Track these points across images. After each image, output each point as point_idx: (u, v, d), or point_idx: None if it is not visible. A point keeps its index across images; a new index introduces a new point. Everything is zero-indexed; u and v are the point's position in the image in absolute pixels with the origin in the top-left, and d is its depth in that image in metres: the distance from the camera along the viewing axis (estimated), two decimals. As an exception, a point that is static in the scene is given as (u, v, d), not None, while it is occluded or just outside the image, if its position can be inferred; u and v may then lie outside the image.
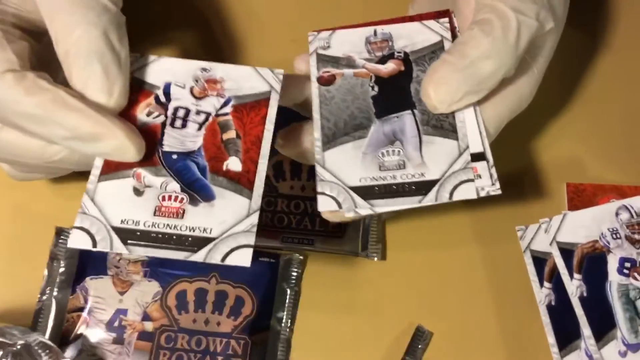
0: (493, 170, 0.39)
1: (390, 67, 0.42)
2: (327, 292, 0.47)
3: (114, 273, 0.46)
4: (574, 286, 0.42)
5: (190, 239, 0.36)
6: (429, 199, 0.38)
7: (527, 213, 0.48)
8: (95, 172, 0.38)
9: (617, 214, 0.43)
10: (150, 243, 0.36)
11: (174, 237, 0.36)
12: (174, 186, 0.37)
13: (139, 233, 0.36)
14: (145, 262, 0.46)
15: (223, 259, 0.35)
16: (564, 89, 0.53)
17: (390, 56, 0.42)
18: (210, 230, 0.36)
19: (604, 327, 0.41)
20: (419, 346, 0.46)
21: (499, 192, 0.38)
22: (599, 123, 0.51)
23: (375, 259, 0.47)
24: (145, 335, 0.45)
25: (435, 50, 0.42)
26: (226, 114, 0.39)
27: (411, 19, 0.44)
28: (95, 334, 0.45)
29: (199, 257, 0.35)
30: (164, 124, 0.39)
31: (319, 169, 0.39)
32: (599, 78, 0.53)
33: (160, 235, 0.36)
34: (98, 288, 0.46)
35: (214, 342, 0.45)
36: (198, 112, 0.39)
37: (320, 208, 0.38)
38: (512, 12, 0.39)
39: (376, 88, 0.42)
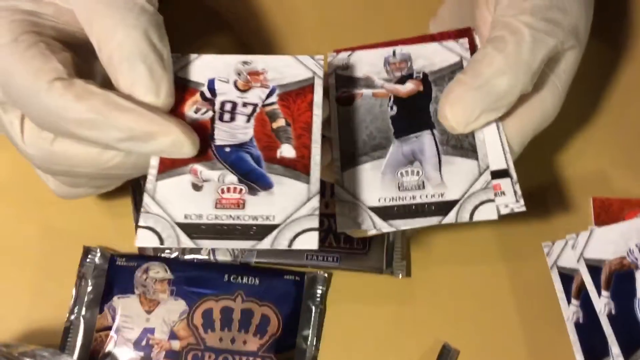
0: (517, 187, 0.38)
1: (409, 87, 0.42)
2: (352, 310, 0.47)
3: (141, 292, 0.46)
4: (602, 303, 0.41)
5: (254, 227, 0.36)
6: (449, 219, 0.37)
7: (553, 228, 0.48)
8: (152, 171, 0.38)
9: None
10: (215, 235, 0.36)
11: (238, 227, 0.36)
12: (232, 178, 0.37)
13: (203, 227, 0.36)
14: (172, 280, 0.46)
15: (290, 244, 0.35)
16: (588, 102, 0.52)
17: (409, 76, 0.42)
18: (274, 217, 0.36)
19: (632, 345, 0.40)
20: None
21: (523, 209, 0.38)
22: (624, 136, 0.51)
23: (400, 276, 0.47)
24: (172, 354, 0.45)
25: (454, 71, 0.42)
26: (273, 104, 0.40)
27: (432, 38, 0.44)
28: (123, 352, 0.45)
29: (265, 244, 0.35)
30: (212, 119, 0.39)
31: (337, 190, 0.39)
32: (623, 89, 0.52)
33: (224, 227, 0.36)
34: (125, 307, 0.46)
35: None
36: (245, 104, 0.40)
37: (339, 229, 0.38)
38: (527, 28, 0.39)
39: (395, 108, 0.41)
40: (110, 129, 0.36)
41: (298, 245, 0.35)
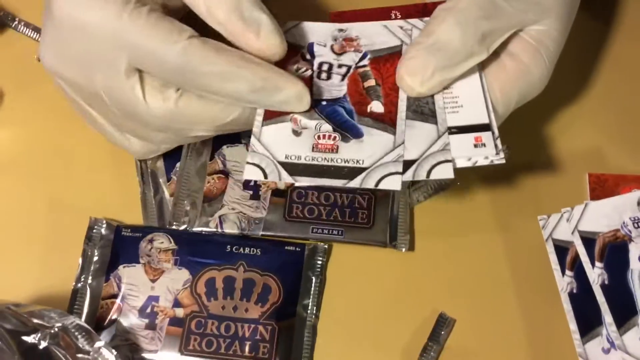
0: (498, 142, 0.40)
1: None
2: (353, 281, 0.48)
3: (146, 261, 0.47)
4: (596, 274, 0.42)
5: (345, 169, 0.40)
6: (407, 177, 0.39)
7: (549, 203, 0.48)
8: (259, 118, 0.42)
9: (638, 203, 0.42)
10: (311, 174, 0.40)
11: (332, 168, 0.40)
12: (327, 127, 0.41)
13: (301, 166, 0.40)
14: (176, 250, 0.47)
15: (377, 184, 0.39)
16: (586, 79, 0.52)
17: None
18: (363, 162, 0.39)
19: (625, 314, 0.41)
20: (442, 332, 0.46)
21: (503, 161, 0.40)
22: (621, 113, 0.51)
23: (404, 249, 0.48)
24: (176, 321, 0.46)
25: (392, 54, 0.43)
26: (365, 66, 0.43)
27: (425, 6, 0.45)
28: (128, 319, 0.46)
29: (355, 183, 0.39)
30: (311, 77, 0.43)
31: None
32: (621, 67, 0.53)
33: (320, 167, 0.40)
34: (131, 276, 0.46)
35: (242, 328, 0.45)
36: (340, 66, 0.43)
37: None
38: None
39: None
40: (244, 81, 0.39)
41: (384, 185, 0.39)
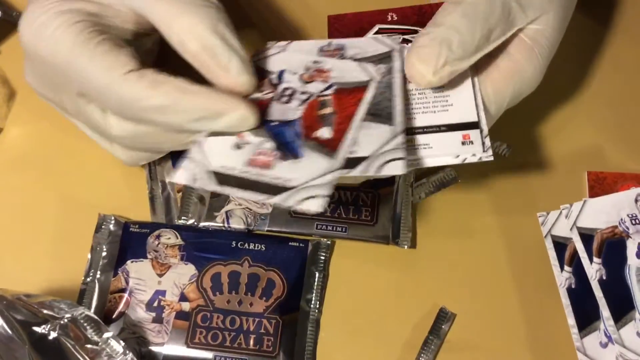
0: (486, 140, 0.40)
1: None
2: (355, 276, 0.48)
3: (153, 257, 0.47)
4: (594, 270, 0.42)
5: (272, 186, 0.39)
6: (356, 172, 0.39)
7: (548, 200, 0.48)
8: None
9: (636, 201, 0.42)
10: (239, 186, 0.39)
11: (260, 183, 0.39)
12: (269, 145, 0.40)
13: (231, 178, 0.39)
14: (182, 246, 0.48)
15: (297, 205, 0.38)
16: (585, 78, 0.53)
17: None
18: (291, 181, 0.39)
19: (622, 309, 0.41)
20: (443, 326, 0.46)
21: (491, 158, 0.40)
22: (620, 112, 0.51)
23: (406, 247, 0.48)
24: (182, 315, 0.46)
25: (382, 58, 0.43)
26: (327, 95, 0.42)
27: (420, 8, 0.45)
28: (135, 313, 0.46)
29: (275, 200, 0.38)
30: (271, 99, 0.42)
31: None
32: (620, 67, 0.53)
33: (248, 181, 0.39)
34: (138, 270, 0.47)
35: (247, 322, 0.46)
36: (303, 92, 0.42)
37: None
38: None
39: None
40: (182, 113, 0.39)
41: (303, 207, 0.37)
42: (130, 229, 0.48)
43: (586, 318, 0.44)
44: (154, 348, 0.46)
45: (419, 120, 0.41)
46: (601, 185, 0.48)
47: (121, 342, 0.43)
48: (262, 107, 0.42)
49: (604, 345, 0.42)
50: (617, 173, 0.48)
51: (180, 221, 0.49)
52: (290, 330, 0.46)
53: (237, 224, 0.48)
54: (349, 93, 0.42)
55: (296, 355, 0.46)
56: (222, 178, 0.39)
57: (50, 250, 0.49)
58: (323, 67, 0.43)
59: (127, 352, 0.43)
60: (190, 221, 0.49)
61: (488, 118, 0.42)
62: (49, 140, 0.51)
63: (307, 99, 0.42)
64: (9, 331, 0.41)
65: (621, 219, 0.42)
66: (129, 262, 0.47)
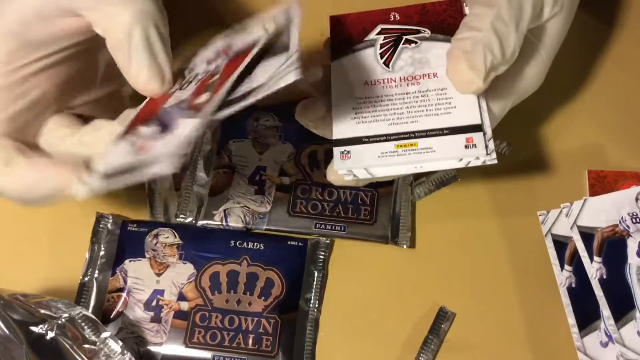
0: (490, 142, 0.40)
1: None
2: (354, 275, 0.48)
3: (151, 256, 0.47)
4: (594, 269, 0.42)
5: (146, 163, 0.36)
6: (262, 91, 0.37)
7: (548, 199, 0.48)
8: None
9: (637, 199, 0.43)
10: (117, 176, 0.37)
11: (135, 165, 0.36)
12: (154, 129, 0.38)
13: (117, 170, 0.37)
14: (180, 245, 0.48)
15: (153, 172, 0.35)
16: (586, 77, 0.53)
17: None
18: (162, 153, 0.36)
19: (623, 308, 0.41)
20: (442, 326, 0.46)
21: (495, 161, 0.40)
22: (620, 111, 0.51)
23: (405, 246, 0.48)
24: (181, 314, 0.46)
25: (248, 48, 0.40)
26: (220, 66, 0.40)
27: (423, 7, 0.45)
28: (134, 313, 0.46)
29: (140, 175, 0.36)
30: (173, 92, 0.40)
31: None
32: (621, 65, 0.53)
33: (128, 167, 0.36)
34: (136, 270, 0.47)
35: (246, 321, 0.46)
36: (204, 72, 0.41)
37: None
38: None
39: None
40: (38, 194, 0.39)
41: (157, 170, 0.35)
42: (129, 228, 0.48)
43: (586, 317, 0.44)
44: (152, 348, 0.46)
45: (422, 124, 0.41)
46: (602, 183, 0.48)
47: (119, 342, 0.43)
48: (161, 100, 0.40)
49: (605, 345, 0.42)
50: (617, 172, 0.48)
51: (178, 219, 0.49)
52: (289, 329, 0.46)
53: (235, 223, 0.48)
54: (241, 56, 0.40)
55: (295, 354, 0.46)
56: (108, 176, 0.38)
57: (47, 250, 0.49)
58: (230, 44, 0.41)
59: (125, 352, 0.43)
60: (189, 219, 0.49)
61: (492, 119, 0.41)
62: None
63: (204, 77, 0.40)
64: (6, 331, 0.41)
65: (622, 218, 0.42)
66: (127, 261, 0.47)
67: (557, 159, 0.50)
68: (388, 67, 0.43)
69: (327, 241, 0.49)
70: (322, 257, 0.48)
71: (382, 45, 0.44)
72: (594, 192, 0.47)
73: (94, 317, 0.43)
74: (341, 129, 0.42)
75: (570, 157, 0.50)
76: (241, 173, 0.50)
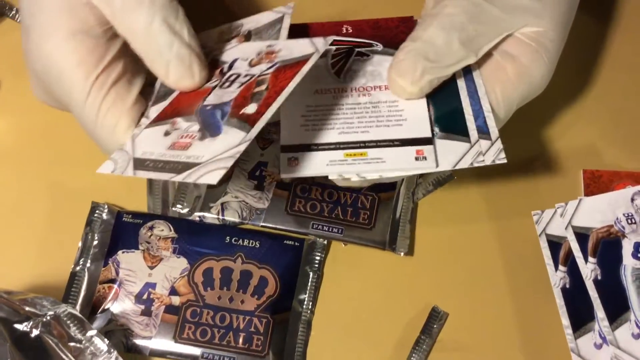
0: (497, 142, 0.42)
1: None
2: (349, 277, 0.49)
3: (145, 248, 0.49)
4: (589, 269, 0.43)
5: (181, 165, 0.39)
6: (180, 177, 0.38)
7: (543, 199, 0.50)
8: (145, 121, 0.43)
9: (632, 200, 0.44)
10: (151, 169, 0.40)
11: (174, 164, 0.39)
12: (195, 127, 0.41)
13: (149, 162, 0.40)
14: (175, 239, 0.49)
15: (197, 179, 0.37)
16: (581, 76, 0.54)
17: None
18: (202, 157, 0.38)
19: (617, 310, 0.42)
20: (434, 326, 0.47)
21: (504, 160, 0.41)
22: (616, 111, 0.53)
23: (402, 254, 0.49)
24: (171, 309, 0.47)
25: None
26: (267, 74, 0.42)
27: (375, 22, 0.48)
28: (124, 305, 0.47)
29: (178, 177, 0.38)
30: (215, 87, 0.43)
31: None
32: (616, 66, 0.55)
33: (162, 163, 0.40)
34: (129, 261, 0.48)
35: (237, 319, 0.47)
36: (246, 75, 0.43)
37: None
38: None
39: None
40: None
41: (203, 180, 0.37)
42: (124, 218, 0.50)
43: (580, 319, 0.45)
44: (140, 341, 0.47)
45: (372, 134, 0.42)
46: (597, 183, 0.49)
47: (105, 340, 0.43)
48: (202, 94, 0.43)
49: (599, 347, 0.43)
50: (612, 171, 0.49)
51: (175, 208, 0.50)
52: (281, 330, 0.47)
53: (231, 217, 0.50)
54: (289, 68, 0.41)
55: (286, 355, 0.47)
56: (139, 163, 0.40)
57: (39, 239, 0.50)
58: (274, 49, 0.43)
59: (112, 350, 0.43)
60: (185, 210, 0.50)
61: (497, 121, 0.43)
62: (35, 130, 0.53)
63: (247, 80, 0.42)
64: None
65: (617, 218, 0.44)
66: (120, 252, 0.49)
67: (552, 158, 0.52)
68: (339, 77, 0.45)
69: (324, 242, 0.50)
70: (318, 258, 0.49)
71: (333, 56, 0.46)
72: (589, 192, 0.48)
73: (79, 314, 0.44)
74: (289, 135, 0.43)
75: (565, 157, 0.51)
76: (241, 167, 0.51)
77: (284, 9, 0.47)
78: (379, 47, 0.47)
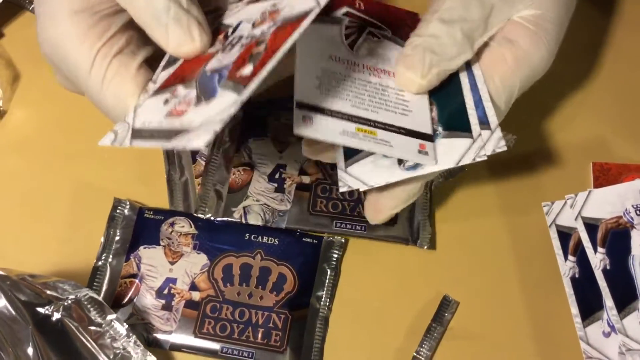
0: (497, 131, 0.42)
1: None
2: (366, 273, 0.51)
3: (166, 244, 0.50)
4: (598, 259, 0.45)
5: (174, 132, 0.38)
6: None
7: (553, 191, 0.51)
8: (152, 87, 0.43)
9: None
10: (148, 138, 0.39)
11: (169, 131, 0.38)
12: (192, 94, 0.40)
13: (145, 131, 0.40)
14: (195, 235, 0.51)
15: (184, 145, 0.36)
16: (591, 70, 0.56)
17: None
18: (194, 122, 0.38)
19: (626, 299, 0.44)
20: (445, 314, 0.49)
21: (505, 148, 0.42)
22: (625, 104, 0.54)
23: (425, 247, 0.50)
24: (192, 304, 0.49)
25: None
26: (267, 33, 0.40)
27: (386, 7, 0.49)
28: (145, 299, 0.49)
29: (170, 144, 0.37)
30: (217, 52, 0.42)
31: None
32: (625, 58, 0.56)
33: (160, 131, 0.39)
34: (150, 257, 0.50)
35: (256, 315, 0.49)
36: (247, 37, 0.42)
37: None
38: None
39: None
40: None
41: (189, 144, 0.36)
42: (145, 214, 0.52)
43: (589, 307, 0.46)
44: (161, 336, 0.48)
45: (381, 116, 0.43)
46: (606, 176, 0.50)
47: (124, 324, 0.45)
48: (203, 60, 0.42)
49: (607, 335, 0.45)
50: (621, 164, 0.51)
51: (197, 214, 0.51)
52: (299, 326, 0.49)
53: (255, 220, 0.51)
54: (289, 25, 0.39)
55: (304, 351, 0.48)
56: (137, 133, 0.40)
57: (62, 233, 0.52)
58: (277, 8, 0.42)
59: (131, 334, 0.45)
60: (207, 216, 0.51)
61: (498, 110, 0.44)
62: (54, 122, 0.55)
63: (249, 42, 0.41)
64: (13, 312, 0.44)
65: (626, 210, 0.45)
66: (141, 247, 0.51)
67: (562, 151, 0.53)
68: (352, 50, 0.45)
69: (342, 240, 0.51)
70: (335, 255, 0.51)
71: (347, 27, 0.46)
72: (598, 184, 0.50)
73: (99, 299, 0.45)
74: (304, 92, 0.42)
75: (575, 149, 0.53)
76: (261, 171, 0.52)
77: None
78: (389, 32, 0.47)
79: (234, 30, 0.43)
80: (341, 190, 0.43)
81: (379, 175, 0.43)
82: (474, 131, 0.43)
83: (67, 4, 0.43)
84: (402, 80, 0.44)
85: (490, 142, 0.42)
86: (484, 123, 0.43)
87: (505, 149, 0.42)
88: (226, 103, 0.37)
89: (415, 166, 0.42)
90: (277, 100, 0.55)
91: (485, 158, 0.42)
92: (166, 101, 0.41)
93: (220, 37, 0.44)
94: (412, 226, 0.51)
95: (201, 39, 0.43)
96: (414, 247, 0.51)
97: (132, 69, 0.43)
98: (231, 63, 0.40)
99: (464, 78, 0.45)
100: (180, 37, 0.42)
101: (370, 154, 0.43)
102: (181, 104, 0.40)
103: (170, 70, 0.43)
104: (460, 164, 0.42)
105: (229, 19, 0.45)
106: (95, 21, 0.43)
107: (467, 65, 0.45)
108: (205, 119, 0.37)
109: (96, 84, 0.43)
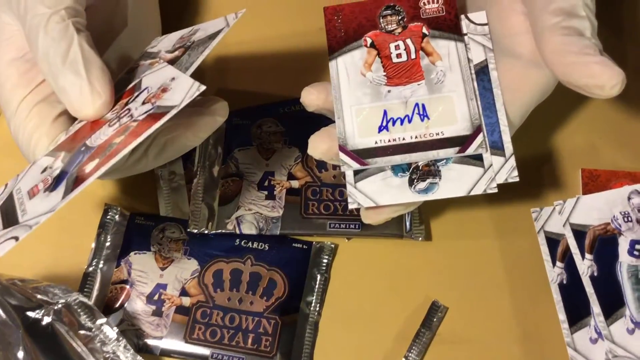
0: (511, 159, 0.45)
1: None
2: (356, 277, 0.54)
3: (157, 249, 0.53)
4: (585, 266, 0.47)
5: (10, 219, 0.41)
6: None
7: (542, 197, 0.53)
8: (62, 137, 0.45)
9: (629, 198, 0.47)
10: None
11: (12, 217, 0.41)
12: (56, 172, 0.42)
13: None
14: (186, 241, 0.53)
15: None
16: None
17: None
18: (25, 216, 0.40)
19: (613, 306, 0.46)
20: (434, 319, 0.51)
21: (517, 179, 0.45)
22: (614, 111, 0.56)
23: (420, 239, 0.52)
24: (182, 310, 0.51)
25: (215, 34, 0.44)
26: (138, 120, 0.42)
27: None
28: (136, 305, 0.51)
29: None
30: (109, 121, 0.44)
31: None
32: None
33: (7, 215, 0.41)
34: (141, 263, 0.52)
35: (247, 320, 0.51)
36: (130, 115, 0.43)
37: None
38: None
39: None
40: None
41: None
42: (136, 220, 0.54)
43: (577, 314, 0.48)
44: (151, 341, 0.51)
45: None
46: (595, 182, 0.52)
47: (115, 328, 0.47)
48: (98, 127, 0.43)
49: (594, 341, 0.47)
50: (610, 171, 0.52)
51: (190, 229, 0.53)
52: (289, 331, 0.51)
53: (249, 230, 0.53)
54: (149, 120, 0.40)
55: (293, 356, 0.51)
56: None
57: (53, 239, 0.54)
58: (169, 86, 0.42)
59: (121, 338, 0.47)
60: (200, 230, 0.53)
61: (511, 128, 0.46)
62: None
63: (126, 122, 0.41)
64: (3, 315, 0.46)
65: (614, 216, 0.47)
66: (132, 253, 0.53)
67: (551, 157, 0.55)
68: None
69: (332, 245, 0.53)
70: (325, 260, 0.53)
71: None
72: (587, 190, 0.52)
73: (90, 303, 0.48)
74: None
75: (564, 156, 0.55)
76: (249, 180, 0.54)
77: (231, 17, 0.46)
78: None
79: (136, 97, 0.44)
80: (350, 207, 0.45)
81: (390, 194, 0.46)
82: (485, 160, 0.45)
83: (6, 51, 0.47)
84: (608, 82, 0.43)
85: (503, 170, 0.45)
86: (498, 148, 0.45)
87: (517, 179, 0.44)
88: (49, 205, 0.38)
89: (427, 190, 0.45)
90: (258, 108, 0.57)
91: (495, 190, 0.45)
92: (44, 170, 0.43)
93: (124, 101, 0.44)
94: (406, 221, 0.53)
95: (94, 105, 0.44)
96: (403, 249, 0.54)
97: (49, 119, 0.46)
98: (96, 147, 0.41)
99: (485, 98, 0.46)
100: (79, 99, 0.44)
101: (380, 170, 0.46)
102: (43, 181, 0.41)
103: (78, 125, 0.45)
104: (472, 194, 0.45)
105: (144, 79, 0.46)
106: (27, 68, 0.47)
107: (484, 83, 0.46)
108: (32, 217, 0.37)
109: (15, 127, 0.46)
